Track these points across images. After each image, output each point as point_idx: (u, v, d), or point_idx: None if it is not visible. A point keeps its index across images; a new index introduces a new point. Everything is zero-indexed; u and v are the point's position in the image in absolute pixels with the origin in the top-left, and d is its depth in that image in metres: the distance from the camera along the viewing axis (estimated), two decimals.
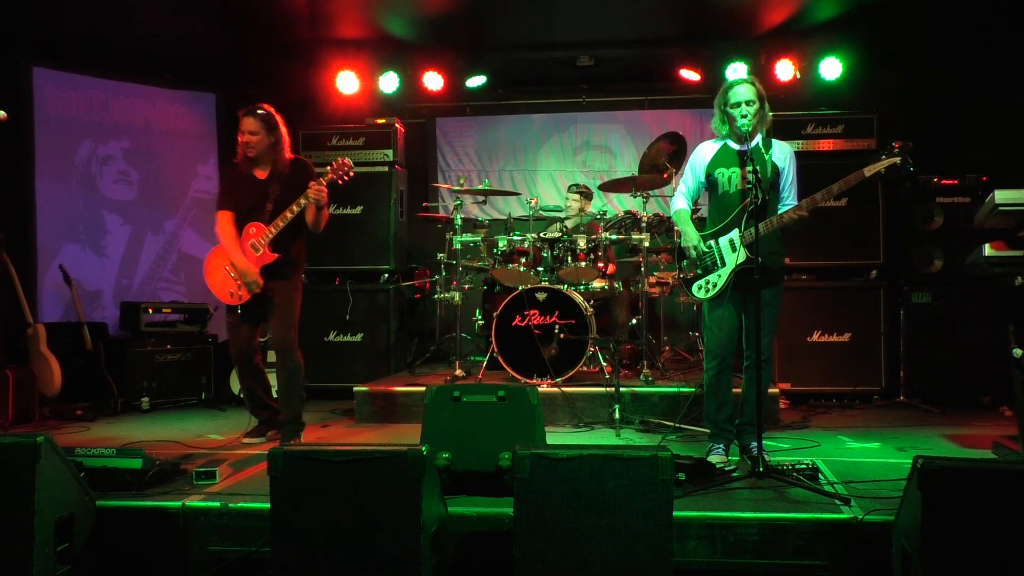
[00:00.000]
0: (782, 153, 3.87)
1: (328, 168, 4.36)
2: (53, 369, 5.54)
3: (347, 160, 4.34)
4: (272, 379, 4.67)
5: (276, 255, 4.33)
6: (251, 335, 4.53)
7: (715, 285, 3.85)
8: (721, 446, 3.92)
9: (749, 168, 3.58)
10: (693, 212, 4.03)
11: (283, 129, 4.43)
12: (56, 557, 2.90)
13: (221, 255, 4.41)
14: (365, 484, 2.73)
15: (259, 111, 4.37)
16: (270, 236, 4.31)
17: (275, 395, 4.67)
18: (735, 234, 3.79)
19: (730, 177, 3.84)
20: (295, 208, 4.26)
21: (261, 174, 4.42)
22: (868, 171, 3.55)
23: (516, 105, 7.61)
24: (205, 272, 4.48)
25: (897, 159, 3.50)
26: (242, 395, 4.76)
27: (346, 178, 4.34)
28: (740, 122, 3.74)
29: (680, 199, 4.03)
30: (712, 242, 3.87)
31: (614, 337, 5.53)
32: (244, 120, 4.38)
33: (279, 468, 2.77)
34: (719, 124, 3.90)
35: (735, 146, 3.85)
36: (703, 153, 3.96)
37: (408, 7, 6.26)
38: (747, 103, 3.76)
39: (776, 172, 3.83)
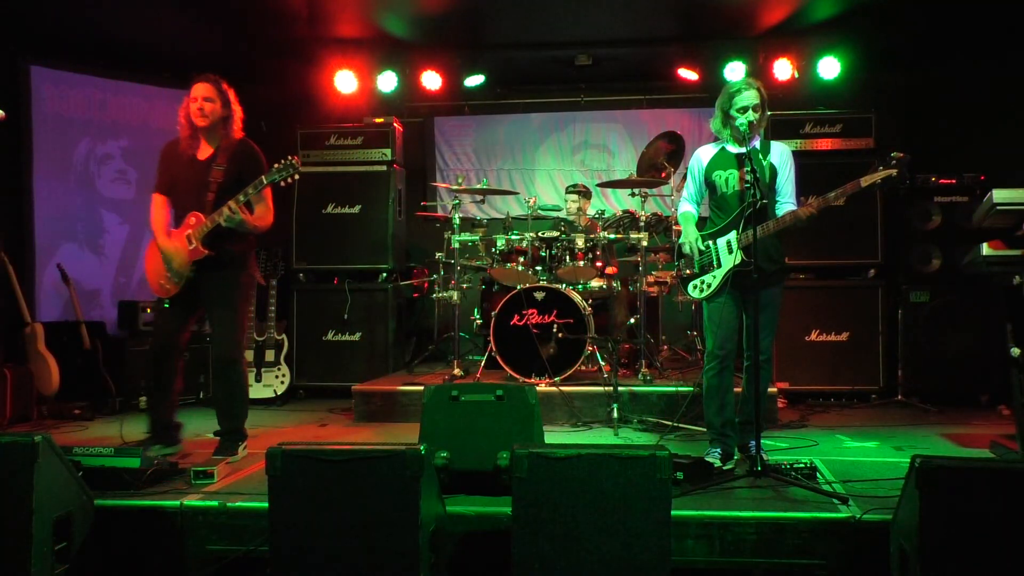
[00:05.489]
0: (779, 154, 3.87)
1: (275, 167, 3.89)
2: (51, 368, 5.53)
3: (296, 158, 3.90)
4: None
5: (208, 251, 3.93)
6: (175, 330, 4.11)
7: (709, 285, 3.87)
8: (718, 451, 3.87)
9: (747, 169, 3.59)
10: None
11: (236, 106, 4.09)
12: (54, 556, 2.90)
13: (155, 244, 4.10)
14: (363, 483, 2.73)
15: (213, 77, 4.02)
16: (206, 230, 3.91)
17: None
18: (733, 236, 3.80)
19: (727, 179, 3.85)
20: (224, 212, 3.86)
21: (203, 155, 4.03)
22: (864, 181, 3.56)
23: (514, 104, 7.61)
24: (145, 260, 4.17)
25: (894, 171, 3.51)
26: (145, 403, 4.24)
27: (290, 180, 3.91)
28: (742, 125, 3.74)
29: (684, 203, 4.05)
30: (711, 242, 3.88)
31: (612, 336, 5.52)
32: (198, 85, 3.97)
33: (277, 467, 2.77)
34: (719, 126, 3.90)
35: (733, 149, 3.86)
36: (701, 157, 3.97)
37: (406, 6, 6.25)
38: (754, 108, 3.76)
39: (773, 174, 3.83)
